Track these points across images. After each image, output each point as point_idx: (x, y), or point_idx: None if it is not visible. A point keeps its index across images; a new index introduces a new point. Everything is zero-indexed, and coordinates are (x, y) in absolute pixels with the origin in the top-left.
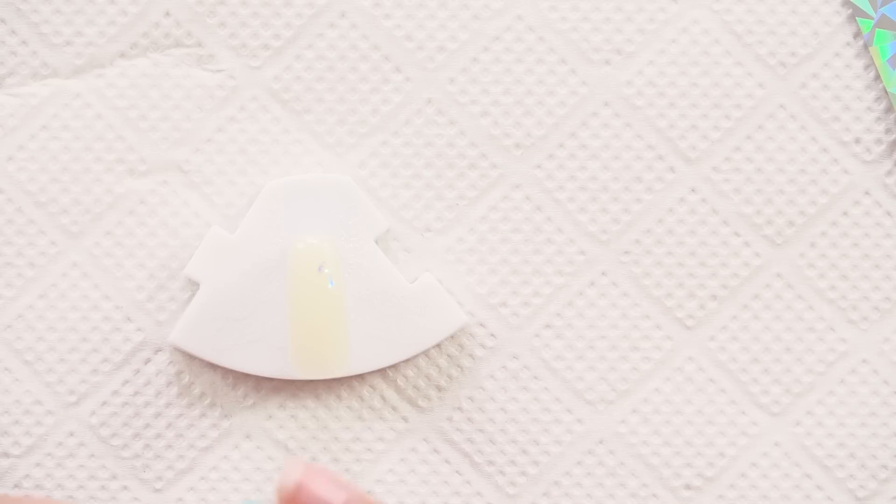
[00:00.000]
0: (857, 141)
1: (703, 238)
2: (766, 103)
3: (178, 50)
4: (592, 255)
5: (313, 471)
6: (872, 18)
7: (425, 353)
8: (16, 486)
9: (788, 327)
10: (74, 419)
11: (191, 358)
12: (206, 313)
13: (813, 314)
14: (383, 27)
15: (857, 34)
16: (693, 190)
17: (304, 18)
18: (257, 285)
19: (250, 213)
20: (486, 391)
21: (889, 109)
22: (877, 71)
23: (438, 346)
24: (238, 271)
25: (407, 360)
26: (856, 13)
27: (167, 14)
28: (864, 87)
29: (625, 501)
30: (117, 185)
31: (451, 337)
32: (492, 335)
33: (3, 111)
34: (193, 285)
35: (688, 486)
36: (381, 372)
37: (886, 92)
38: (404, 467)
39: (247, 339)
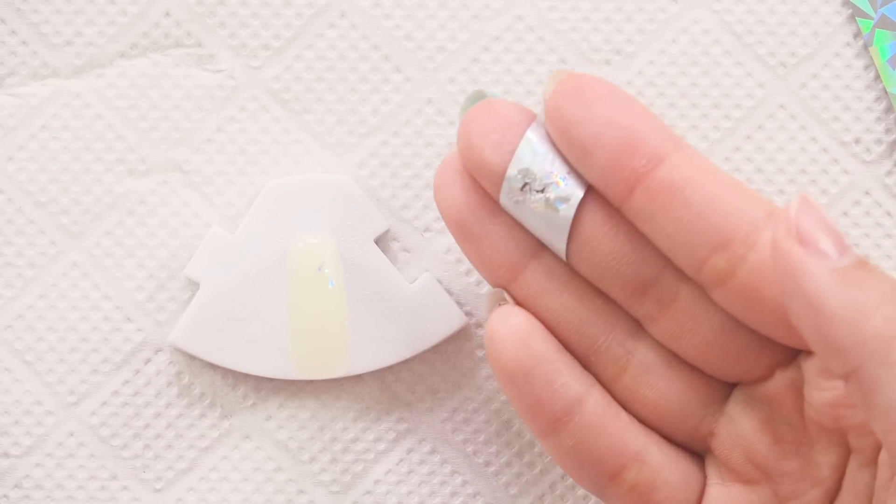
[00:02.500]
0: (857, 141)
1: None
2: (766, 103)
3: (178, 50)
4: None
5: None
6: (872, 18)
7: (425, 353)
8: (16, 486)
9: None
10: (74, 419)
11: (191, 358)
12: (206, 313)
13: None
14: (383, 27)
15: (857, 34)
16: None
17: (304, 18)
18: (257, 285)
19: (250, 213)
20: (485, 392)
21: (889, 109)
22: (877, 71)
23: (438, 346)
24: (238, 271)
25: (406, 361)
26: (856, 13)
27: (167, 14)
28: (864, 88)
29: None
30: (117, 186)
31: (451, 337)
32: None
33: (3, 111)
34: (193, 285)
35: None
36: (381, 372)
37: (886, 92)
38: (403, 468)
39: (247, 340)
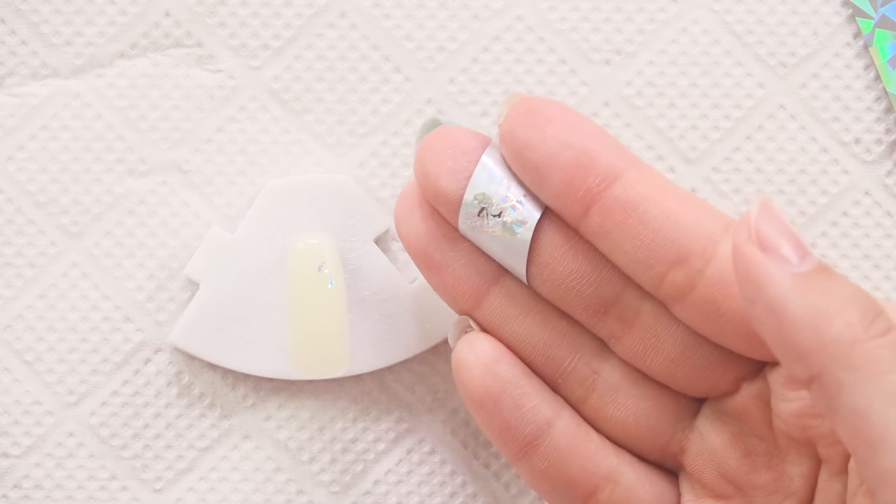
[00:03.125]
0: (857, 141)
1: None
2: (766, 103)
3: (178, 50)
4: None
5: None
6: (873, 18)
7: (425, 353)
8: (15, 486)
9: None
10: (74, 419)
11: (190, 358)
12: (205, 313)
13: None
14: (383, 27)
15: (857, 34)
16: (693, 190)
17: (304, 18)
18: (257, 285)
19: (250, 213)
20: None
21: (889, 110)
22: (877, 71)
23: (438, 346)
24: (238, 271)
25: (406, 361)
26: (856, 13)
27: (167, 14)
28: (864, 88)
29: None
30: (117, 186)
31: None
32: None
33: (3, 111)
34: (193, 285)
35: None
36: (380, 372)
37: (886, 92)
38: (403, 468)
39: (246, 340)
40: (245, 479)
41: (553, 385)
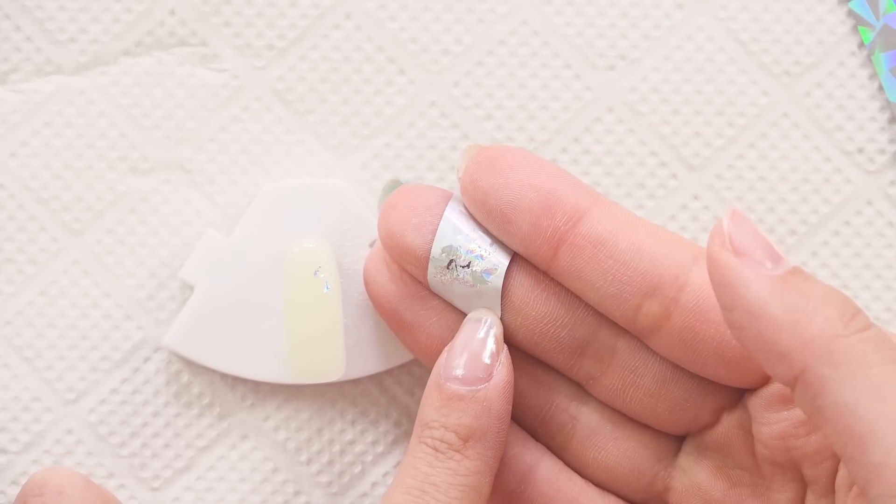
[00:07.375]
0: (861, 150)
1: (705, 246)
2: (770, 111)
3: (183, 49)
4: None
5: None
6: (874, 28)
7: None
8: (13, 482)
9: None
10: (73, 416)
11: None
12: (200, 317)
13: None
14: (388, 29)
15: (862, 43)
16: (696, 197)
17: (309, 19)
18: (253, 289)
19: (245, 216)
20: None
21: (893, 119)
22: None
23: None
24: (233, 275)
25: (405, 364)
26: (858, 22)
27: (172, 13)
28: (869, 97)
29: None
30: (119, 183)
31: None
32: None
33: (7, 107)
34: (190, 287)
35: None
36: (379, 375)
37: (889, 102)
38: None
39: (241, 344)
40: (243, 479)
41: (533, 433)
